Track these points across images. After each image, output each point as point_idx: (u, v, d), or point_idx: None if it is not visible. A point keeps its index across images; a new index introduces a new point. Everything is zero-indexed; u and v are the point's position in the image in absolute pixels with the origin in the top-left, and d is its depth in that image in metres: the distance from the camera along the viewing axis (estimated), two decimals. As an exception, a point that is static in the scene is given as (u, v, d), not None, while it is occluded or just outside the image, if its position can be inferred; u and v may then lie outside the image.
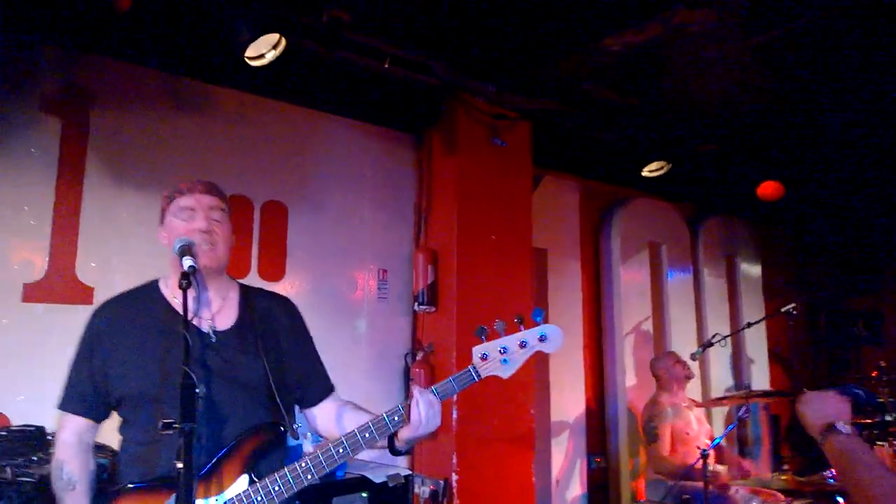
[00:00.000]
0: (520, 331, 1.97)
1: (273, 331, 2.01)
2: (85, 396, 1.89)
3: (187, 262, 1.76)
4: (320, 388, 2.13)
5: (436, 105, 4.33)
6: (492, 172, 4.31)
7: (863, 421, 4.73)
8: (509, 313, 4.17)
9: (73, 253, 3.10)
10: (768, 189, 5.28)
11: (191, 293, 1.71)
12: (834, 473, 4.17)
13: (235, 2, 3.12)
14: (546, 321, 2.01)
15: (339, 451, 1.83)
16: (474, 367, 1.94)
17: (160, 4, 3.13)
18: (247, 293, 2.06)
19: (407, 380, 4.13)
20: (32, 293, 2.98)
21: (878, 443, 4.62)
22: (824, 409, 1.80)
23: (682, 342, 5.51)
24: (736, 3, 3.29)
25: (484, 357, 1.94)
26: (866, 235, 7.14)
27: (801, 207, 6.41)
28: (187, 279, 1.71)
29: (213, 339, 1.88)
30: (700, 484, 3.77)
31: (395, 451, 1.94)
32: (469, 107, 4.25)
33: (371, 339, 4.11)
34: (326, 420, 2.09)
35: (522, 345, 1.96)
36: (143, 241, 3.21)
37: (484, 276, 4.16)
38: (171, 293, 1.94)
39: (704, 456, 3.79)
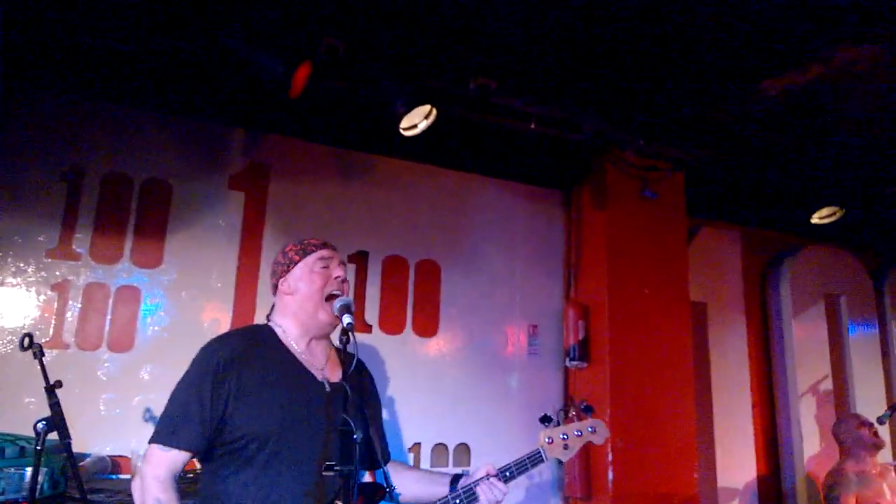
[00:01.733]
0: (573, 422, 2.26)
1: (361, 391, 2.08)
2: (199, 431, 1.79)
3: (347, 319, 1.88)
4: (386, 451, 2.19)
5: (584, 161, 4.26)
6: (643, 225, 4.13)
7: None
8: (666, 369, 3.93)
9: (253, 310, 3.35)
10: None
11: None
12: None
13: (391, 77, 3.30)
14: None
15: None
16: (543, 450, 2.17)
17: (325, 87, 3.38)
18: (340, 353, 2.12)
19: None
20: (218, 348, 3.25)
21: None
22: None
23: (868, 403, 4.84)
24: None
25: (549, 441, 2.19)
26: None
27: None
28: (347, 336, 1.83)
29: (329, 390, 1.95)
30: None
31: None
32: (618, 160, 4.13)
33: (522, 394, 4.02)
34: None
35: (579, 434, 2.23)
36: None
37: (637, 331, 3.94)
38: (290, 341, 2.01)
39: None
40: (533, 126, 3.78)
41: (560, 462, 2.23)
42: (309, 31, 3.13)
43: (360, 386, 2.09)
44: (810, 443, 4.70)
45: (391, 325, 3.73)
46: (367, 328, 3.67)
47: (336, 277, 2.02)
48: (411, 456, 3.61)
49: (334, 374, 2.04)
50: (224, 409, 1.81)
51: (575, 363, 3.99)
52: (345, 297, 2.00)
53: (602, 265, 4.04)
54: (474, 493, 2.01)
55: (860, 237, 5.30)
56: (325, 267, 2.02)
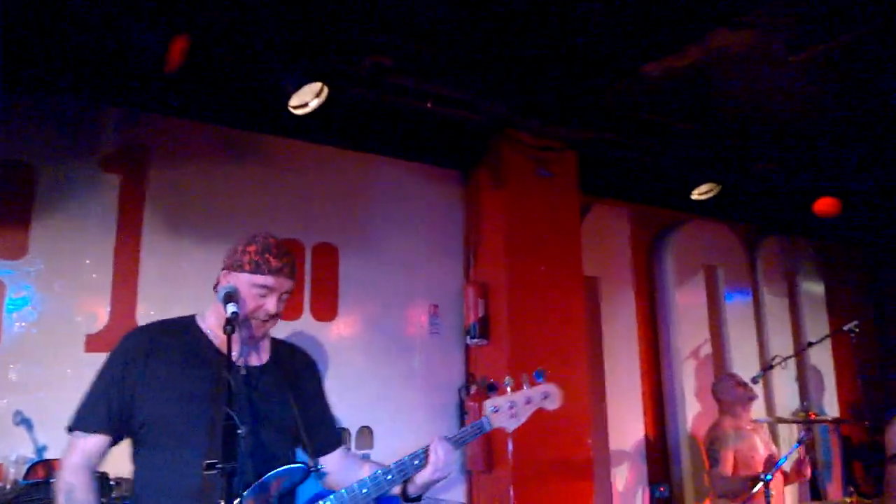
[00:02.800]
0: (523, 389, 2.12)
1: (297, 380, 1.99)
2: (106, 414, 1.78)
3: (231, 308, 1.76)
4: (331, 438, 2.10)
5: (481, 141, 4.22)
6: (539, 204, 4.15)
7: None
8: (561, 343, 3.99)
9: (134, 304, 3.10)
10: (824, 205, 4.91)
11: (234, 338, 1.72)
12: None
13: (279, 53, 3.10)
14: (548, 380, 2.18)
15: (363, 491, 1.86)
16: (487, 419, 2.06)
17: (208, 62, 3.13)
18: (276, 343, 2.05)
19: (461, 413, 3.97)
20: (95, 343, 2.98)
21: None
22: None
23: (744, 365, 5.14)
24: (775, 22, 3.06)
25: (495, 410, 2.07)
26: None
27: (866, 220, 5.96)
28: (231, 325, 1.71)
29: (245, 373, 1.85)
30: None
31: (406, 497, 1.96)
32: (514, 141, 4.12)
33: (425, 374, 3.97)
34: (335, 471, 2.06)
35: (528, 401, 2.11)
36: (201, 290, 3.18)
37: (535, 307, 3.98)
38: (208, 328, 1.92)
39: (766, 481, 3.51)
40: (430, 106, 3.69)
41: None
42: (189, 1, 2.88)
43: (292, 371, 1.99)
44: (692, 403, 4.95)
45: (287, 310, 3.52)
46: (263, 315, 3.48)
47: (265, 310, 1.87)
48: (312, 443, 3.49)
49: (259, 359, 1.94)
50: (132, 395, 1.78)
51: (475, 341, 3.99)
52: (230, 284, 1.86)
53: (500, 244, 4.03)
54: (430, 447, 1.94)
55: (736, 211, 5.58)
56: (262, 296, 1.87)
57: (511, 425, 2.07)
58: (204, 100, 3.38)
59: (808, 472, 4.36)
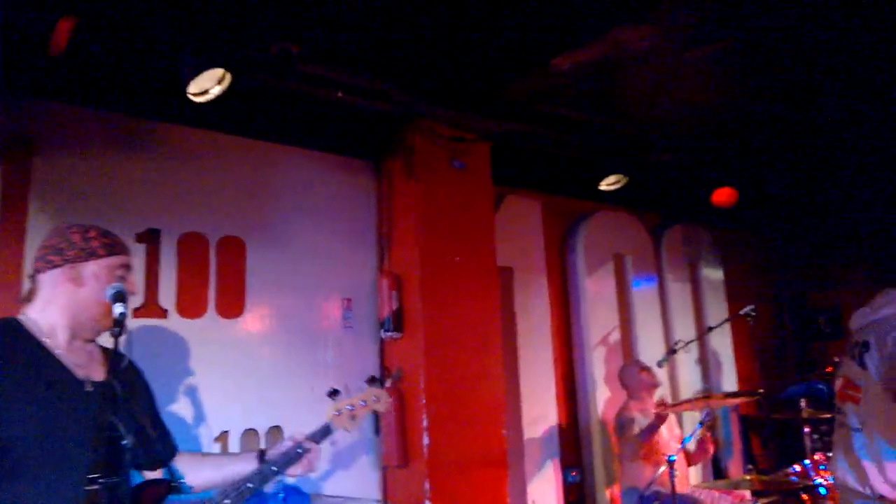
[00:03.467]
0: (363, 392, 2.41)
1: (131, 391, 1.87)
2: None
3: (119, 308, 1.66)
4: (168, 448, 2.04)
5: (393, 131, 4.15)
6: (453, 195, 4.13)
7: (824, 416, 4.61)
8: (476, 334, 4.00)
9: (15, 305, 2.85)
10: (722, 196, 5.15)
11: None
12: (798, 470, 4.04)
13: (175, 37, 2.93)
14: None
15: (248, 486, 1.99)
16: (330, 422, 2.32)
17: (98, 44, 2.91)
18: (106, 353, 1.88)
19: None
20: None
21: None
22: None
23: (651, 350, 5.34)
24: (676, 19, 3.16)
25: (337, 413, 2.33)
26: (825, 234, 7.06)
27: (761, 210, 6.30)
28: (120, 327, 1.61)
29: (91, 389, 1.73)
30: (669, 487, 3.65)
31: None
32: (427, 131, 4.07)
33: (338, 368, 3.88)
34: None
35: (363, 404, 2.37)
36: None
37: (449, 299, 3.96)
38: (45, 336, 1.74)
39: (671, 461, 3.66)
40: (340, 95, 3.60)
41: (347, 431, 2.39)
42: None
43: (128, 383, 1.87)
44: (602, 388, 5.10)
45: (190, 307, 3.40)
46: (163, 313, 3.30)
47: (131, 292, 1.81)
48: (218, 446, 3.34)
49: (96, 373, 1.79)
50: None
51: (390, 334, 3.93)
52: (118, 283, 1.76)
53: (414, 235, 3.98)
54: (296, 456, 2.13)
55: (642, 202, 5.77)
56: (122, 277, 1.80)
57: (351, 426, 2.33)
58: (94, 85, 3.15)
59: (711, 450, 4.59)
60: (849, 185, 6.09)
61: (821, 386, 5.18)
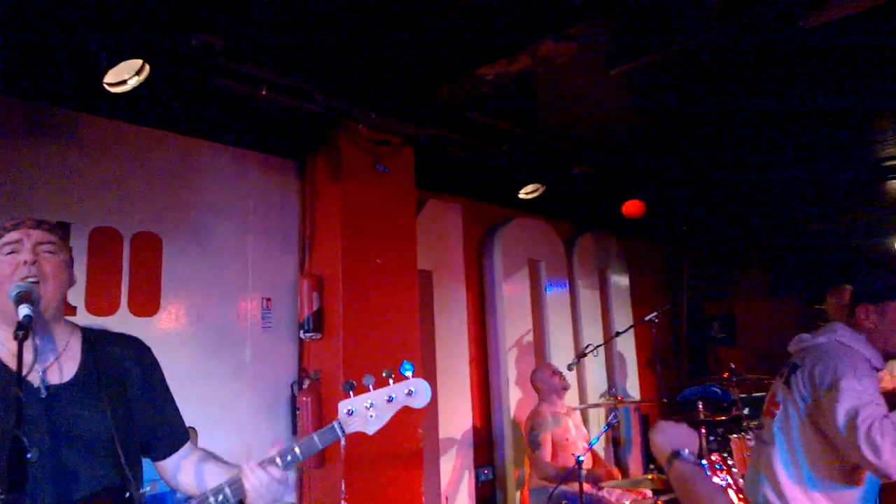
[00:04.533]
0: (389, 385, 1.85)
1: (120, 379, 1.72)
2: None
3: (24, 310, 1.48)
4: (173, 438, 1.87)
5: (318, 132, 4.11)
6: (376, 197, 4.13)
7: (719, 418, 4.92)
8: (396, 337, 4.01)
9: None
10: (632, 207, 5.41)
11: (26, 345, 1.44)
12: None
13: (91, 25, 2.79)
14: (416, 374, 1.88)
15: None
16: (339, 424, 1.80)
17: (12, 29, 2.74)
18: (92, 339, 1.74)
19: (294, 409, 3.86)
20: None
21: (733, 435, 4.80)
22: (673, 437, 1.80)
23: (562, 353, 5.53)
24: (594, 38, 3.31)
25: (350, 413, 1.80)
26: (722, 246, 7.53)
27: (664, 222, 6.65)
28: (24, 330, 1.44)
29: (44, 395, 1.57)
30: (577, 487, 3.79)
31: None
32: (352, 133, 4.06)
33: (256, 369, 3.81)
34: (180, 472, 1.86)
35: (390, 399, 1.84)
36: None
37: (370, 301, 3.96)
38: None
39: (579, 461, 3.80)
40: (264, 92, 3.53)
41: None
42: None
43: (114, 371, 1.71)
44: (515, 390, 5.23)
45: (101, 305, 3.24)
46: (71, 310, 3.13)
47: (24, 263, 1.59)
48: (127, 448, 3.19)
49: (65, 371, 1.64)
50: None
51: (309, 335, 3.89)
52: (22, 283, 1.57)
53: (336, 237, 3.96)
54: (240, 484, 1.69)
55: (557, 210, 5.97)
56: (12, 252, 1.61)
57: (370, 428, 1.84)
58: (6, 70, 2.95)
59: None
60: (746, 202, 6.54)
61: (715, 388, 5.51)
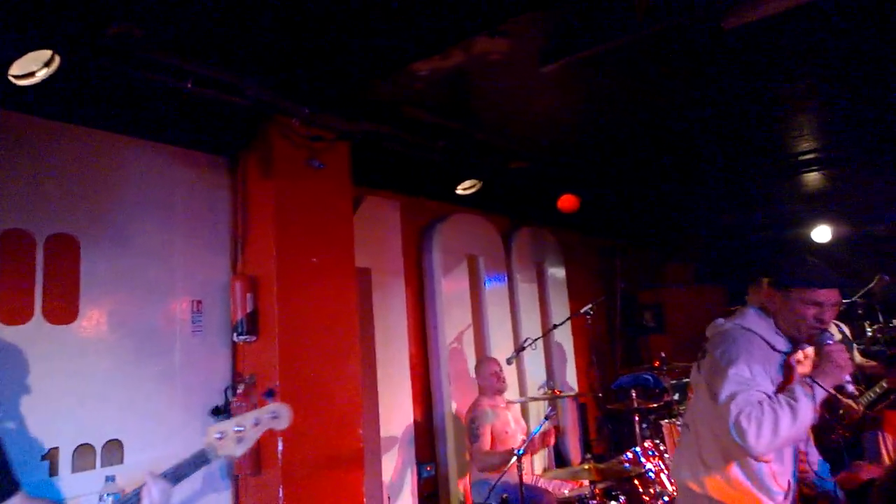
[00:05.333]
0: (254, 409, 2.04)
1: None
2: None
3: None
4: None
5: (249, 127, 3.93)
6: (311, 195, 3.99)
7: (651, 405, 5.03)
8: (334, 335, 3.90)
9: None
10: (567, 202, 5.46)
11: None
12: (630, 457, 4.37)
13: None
14: (276, 398, 2.17)
15: None
16: (211, 448, 1.93)
17: None
18: None
19: (227, 415, 3.69)
20: None
21: (664, 421, 4.92)
22: None
23: (501, 346, 5.53)
24: (528, 35, 3.28)
25: (220, 437, 1.94)
26: (653, 237, 7.72)
27: (598, 215, 6.75)
28: None
29: None
30: (517, 479, 3.83)
31: None
32: (285, 129, 3.90)
33: (186, 375, 3.61)
34: None
35: (256, 423, 2.01)
36: None
37: (307, 301, 3.82)
38: None
39: (519, 455, 3.81)
40: (189, 86, 3.34)
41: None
42: None
43: None
44: (456, 385, 5.20)
45: (12, 314, 2.99)
46: (-23, 320, 2.88)
47: None
48: (46, 465, 2.97)
49: None
50: None
51: (243, 337, 3.72)
52: None
53: (270, 235, 3.80)
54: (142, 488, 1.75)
55: (494, 205, 5.96)
56: None
57: (238, 451, 1.97)
58: None
59: (553, 440, 4.84)
60: (676, 195, 6.71)
61: (647, 376, 5.64)
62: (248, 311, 3.72)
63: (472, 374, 4.95)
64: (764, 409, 2.08)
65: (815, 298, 2.26)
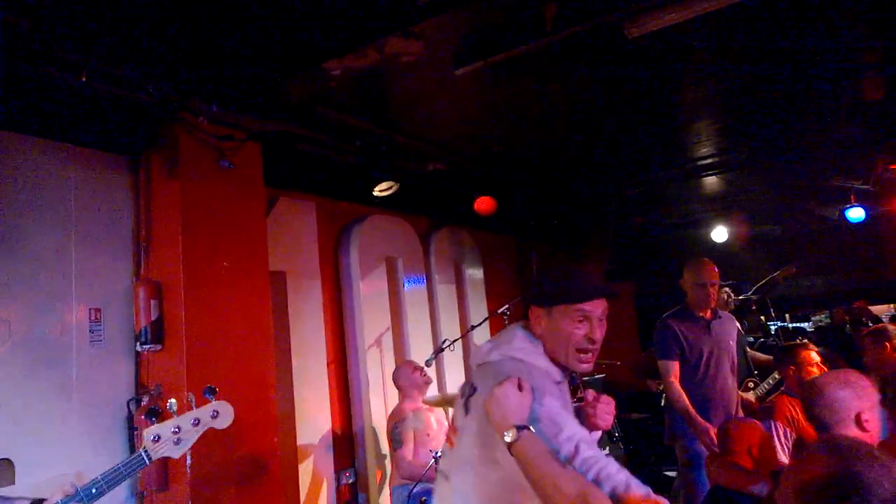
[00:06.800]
0: (192, 409, 1.97)
1: None
2: None
3: None
4: None
5: (153, 125, 3.71)
6: (220, 196, 3.81)
7: (576, 404, 5.13)
8: (246, 342, 3.74)
9: None
10: (483, 204, 5.50)
11: None
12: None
13: None
14: (218, 397, 2.01)
15: None
16: (146, 451, 1.86)
17: None
18: None
19: (131, 429, 3.46)
20: None
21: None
22: (514, 408, 1.62)
23: (421, 349, 5.50)
24: (441, 37, 3.27)
25: (156, 439, 1.89)
26: (567, 236, 7.90)
27: (515, 216, 6.84)
28: None
29: None
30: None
31: None
32: (191, 127, 3.71)
33: (84, 388, 3.36)
34: None
35: (196, 423, 1.96)
36: None
37: (217, 307, 3.65)
38: None
39: (436, 457, 3.79)
40: (84, 80, 3.11)
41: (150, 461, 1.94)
42: None
43: None
44: (376, 389, 5.12)
45: None
46: None
47: None
48: (-81, 491, 2.69)
49: None
50: None
51: (147, 346, 3.50)
52: None
53: (176, 239, 3.59)
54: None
55: (412, 206, 5.93)
56: None
57: (177, 452, 1.91)
58: None
59: None
60: (586, 196, 6.91)
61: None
62: (153, 318, 3.52)
63: (391, 378, 4.88)
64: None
65: (584, 311, 1.89)
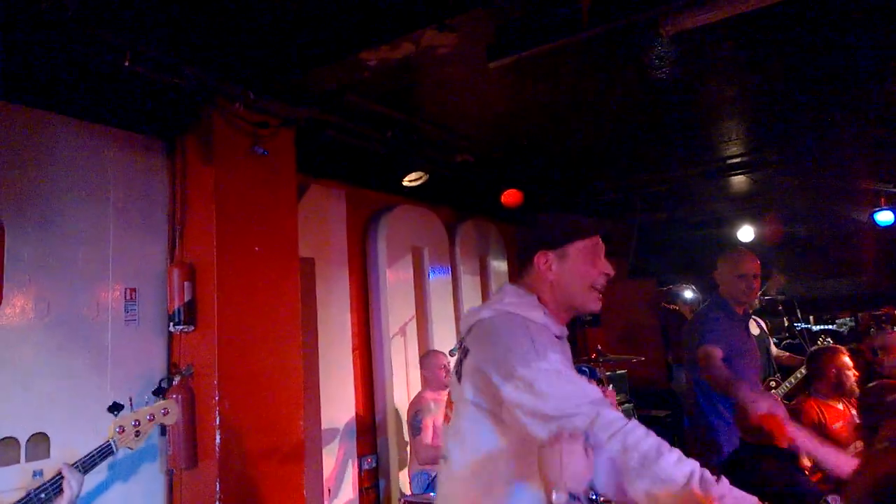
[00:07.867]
0: (148, 405, 2.35)
1: None
2: None
3: None
4: None
5: (190, 109, 3.73)
6: (254, 182, 3.83)
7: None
8: (275, 326, 3.77)
9: None
10: (510, 197, 5.46)
11: None
12: None
13: None
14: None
15: None
16: (113, 441, 2.16)
17: None
18: None
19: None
20: None
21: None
22: (576, 470, 1.40)
23: (445, 339, 5.50)
24: (476, 31, 3.24)
25: (121, 430, 2.20)
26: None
27: (540, 210, 6.79)
28: None
29: None
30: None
31: None
32: (227, 113, 3.72)
33: (118, 367, 3.41)
34: None
35: (151, 418, 2.30)
36: None
37: (248, 290, 3.67)
38: None
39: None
40: (127, 63, 3.13)
41: (130, 449, 2.26)
42: None
43: None
44: (399, 377, 5.13)
45: (-75, 300, 2.75)
46: None
47: None
48: (-38, 460, 2.75)
49: None
50: None
51: (180, 327, 3.54)
52: None
53: (210, 222, 3.61)
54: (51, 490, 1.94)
55: (440, 197, 5.91)
56: None
57: (136, 444, 2.20)
58: None
59: None
60: (611, 193, 6.83)
61: (584, 368, 5.72)
62: (186, 300, 3.55)
63: (416, 365, 4.89)
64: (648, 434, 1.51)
65: (599, 244, 1.88)
